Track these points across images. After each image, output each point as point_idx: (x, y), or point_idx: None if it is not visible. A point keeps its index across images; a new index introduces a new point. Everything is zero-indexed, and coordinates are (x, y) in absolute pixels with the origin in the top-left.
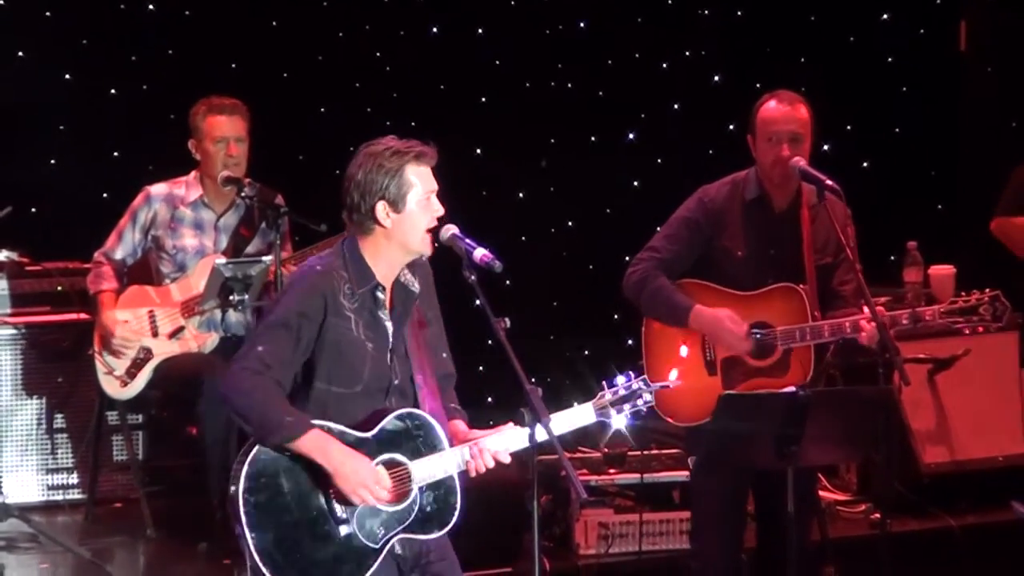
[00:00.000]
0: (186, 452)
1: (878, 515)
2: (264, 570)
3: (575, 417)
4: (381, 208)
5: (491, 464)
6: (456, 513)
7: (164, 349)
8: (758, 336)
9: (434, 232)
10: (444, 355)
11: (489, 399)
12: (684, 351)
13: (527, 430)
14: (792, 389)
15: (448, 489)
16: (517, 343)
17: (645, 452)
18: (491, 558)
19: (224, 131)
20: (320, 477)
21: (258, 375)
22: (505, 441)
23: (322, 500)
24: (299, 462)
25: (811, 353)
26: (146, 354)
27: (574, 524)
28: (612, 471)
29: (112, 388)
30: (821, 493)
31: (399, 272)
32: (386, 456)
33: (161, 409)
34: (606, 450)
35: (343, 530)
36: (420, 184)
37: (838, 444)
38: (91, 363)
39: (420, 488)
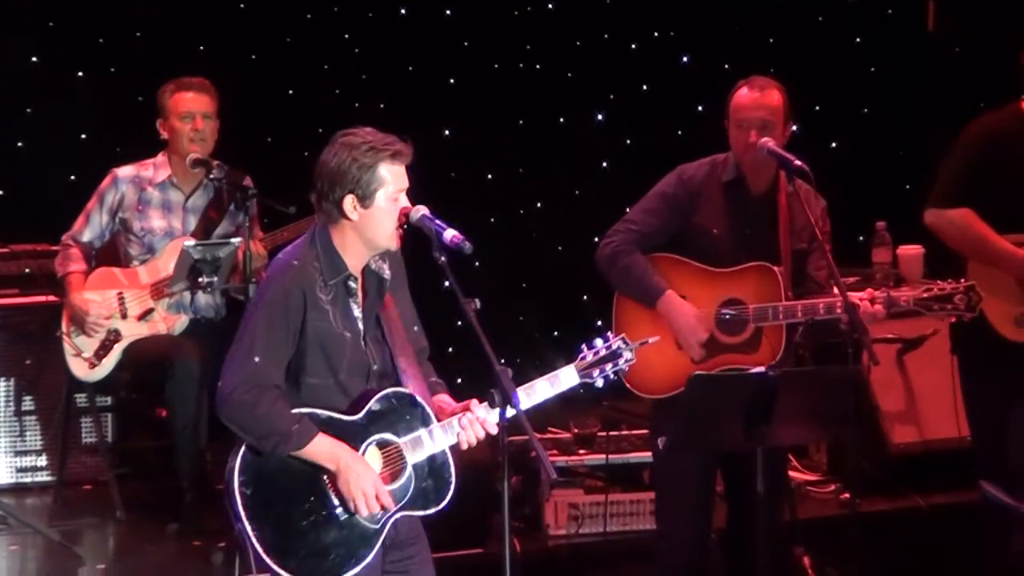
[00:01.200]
0: (155, 434)
1: (847, 495)
2: (269, 562)
3: (558, 381)
4: (349, 202)
5: (481, 434)
6: (452, 487)
7: (133, 331)
8: (727, 316)
9: (402, 226)
10: (416, 328)
11: (459, 380)
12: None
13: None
14: (761, 369)
15: (442, 464)
16: (486, 324)
17: (614, 433)
18: (461, 540)
19: (189, 107)
20: (315, 465)
21: (256, 387)
22: (492, 411)
23: (319, 486)
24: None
25: (782, 332)
26: (115, 336)
27: (544, 505)
28: (582, 452)
29: (80, 370)
30: (791, 473)
31: (370, 259)
32: (377, 436)
33: (130, 391)
34: (576, 430)
35: (342, 515)
36: (391, 182)
37: (807, 424)
38: (59, 345)
39: (414, 465)
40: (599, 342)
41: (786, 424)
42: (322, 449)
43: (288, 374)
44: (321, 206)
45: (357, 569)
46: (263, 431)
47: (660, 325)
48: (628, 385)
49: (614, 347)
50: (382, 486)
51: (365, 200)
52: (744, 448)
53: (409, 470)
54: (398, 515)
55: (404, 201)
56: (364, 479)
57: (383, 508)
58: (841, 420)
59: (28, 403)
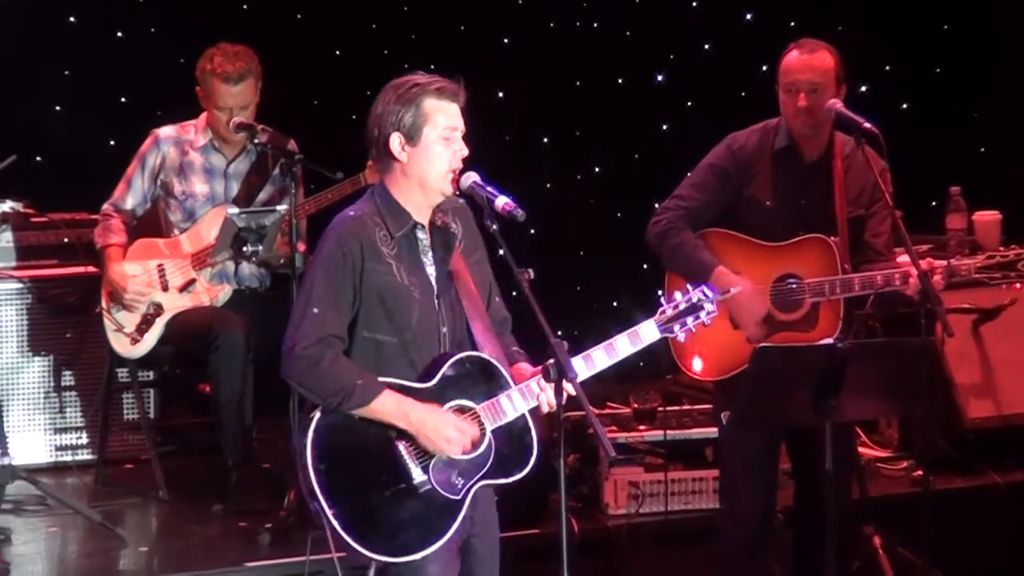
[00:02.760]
0: (199, 410)
1: (920, 472)
2: (348, 540)
3: (638, 338)
4: (396, 140)
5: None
6: (534, 451)
7: (175, 303)
8: (791, 284)
9: (458, 174)
10: (497, 299)
11: None
12: None
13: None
14: (830, 341)
15: (522, 428)
16: (542, 295)
17: (676, 408)
18: (517, 520)
19: (227, 102)
20: (389, 436)
21: (318, 342)
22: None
23: (395, 459)
24: (362, 424)
25: (841, 306)
26: (156, 309)
27: (603, 483)
28: (642, 428)
29: (122, 346)
30: (861, 450)
31: (434, 215)
32: (453, 403)
33: (173, 366)
34: (636, 406)
35: (421, 487)
36: (439, 117)
37: (878, 398)
38: (100, 318)
39: (493, 431)
40: (678, 295)
41: (856, 398)
42: (390, 406)
43: (354, 333)
44: (374, 155)
45: (441, 542)
46: (327, 388)
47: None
48: (684, 368)
49: (694, 299)
50: (465, 425)
51: (412, 138)
52: (812, 423)
53: (488, 437)
54: (479, 484)
55: (459, 142)
56: (444, 425)
57: (473, 445)
58: (913, 394)
59: (68, 378)
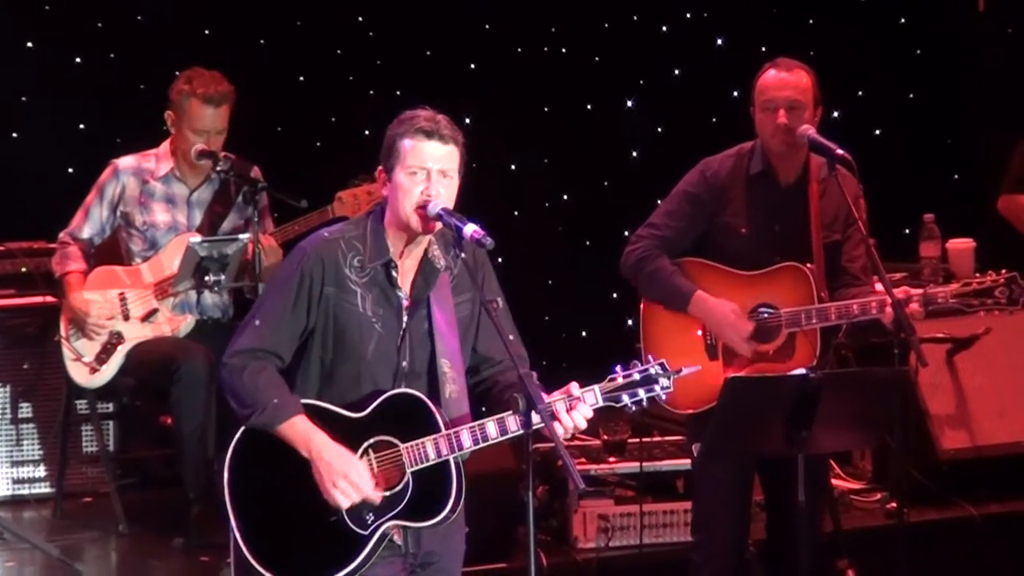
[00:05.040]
0: (160, 443)
1: (894, 504)
2: (247, 553)
3: (579, 402)
4: (380, 173)
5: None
6: (450, 501)
7: (136, 333)
8: (765, 315)
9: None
10: (511, 337)
11: None
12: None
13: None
14: (802, 371)
15: (443, 475)
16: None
17: (647, 439)
18: (485, 553)
19: (207, 125)
20: (307, 461)
21: (249, 353)
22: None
23: (309, 484)
24: (287, 445)
25: (817, 336)
26: (117, 339)
27: (572, 516)
28: (612, 460)
29: (80, 375)
30: (834, 481)
31: (429, 245)
32: (377, 438)
33: (133, 397)
34: (605, 437)
35: (330, 515)
36: (409, 157)
37: (851, 429)
38: (58, 349)
39: (413, 473)
40: (634, 365)
41: (829, 429)
42: (297, 433)
43: (306, 353)
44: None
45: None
46: (244, 399)
47: (692, 334)
48: (659, 402)
49: (650, 371)
50: (364, 478)
51: (389, 173)
52: (784, 455)
53: (407, 478)
54: (390, 523)
55: (423, 183)
56: (337, 467)
57: (364, 500)
58: (887, 425)
59: (25, 410)
